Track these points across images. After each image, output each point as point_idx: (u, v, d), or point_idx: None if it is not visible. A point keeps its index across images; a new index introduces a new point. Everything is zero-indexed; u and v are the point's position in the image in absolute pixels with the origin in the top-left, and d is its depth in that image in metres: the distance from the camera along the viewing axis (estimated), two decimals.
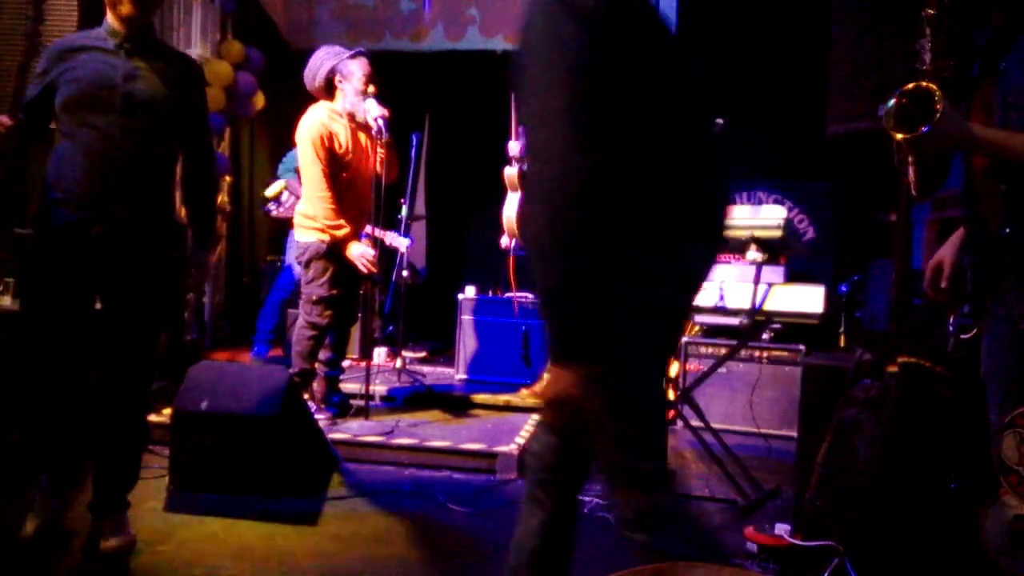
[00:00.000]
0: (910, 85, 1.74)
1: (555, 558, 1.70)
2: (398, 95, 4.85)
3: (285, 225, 4.95)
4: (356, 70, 3.81)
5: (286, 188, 4.80)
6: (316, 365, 4.00)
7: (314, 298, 3.84)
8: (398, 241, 4.31)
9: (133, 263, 2.51)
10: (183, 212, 2.80)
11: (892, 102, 1.74)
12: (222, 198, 5.87)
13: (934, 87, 1.71)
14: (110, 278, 2.52)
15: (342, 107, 3.85)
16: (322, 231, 3.81)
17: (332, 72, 3.83)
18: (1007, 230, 1.81)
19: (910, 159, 1.91)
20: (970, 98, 1.93)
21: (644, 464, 1.49)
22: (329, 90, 3.87)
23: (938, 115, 1.67)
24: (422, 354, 5.88)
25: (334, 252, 3.82)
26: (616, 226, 1.37)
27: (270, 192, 5.17)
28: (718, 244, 1.61)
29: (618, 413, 1.46)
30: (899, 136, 1.73)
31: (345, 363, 4.43)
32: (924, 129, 1.68)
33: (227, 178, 5.91)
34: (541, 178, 1.35)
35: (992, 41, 1.86)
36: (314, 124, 3.79)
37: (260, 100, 5.82)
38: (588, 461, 1.64)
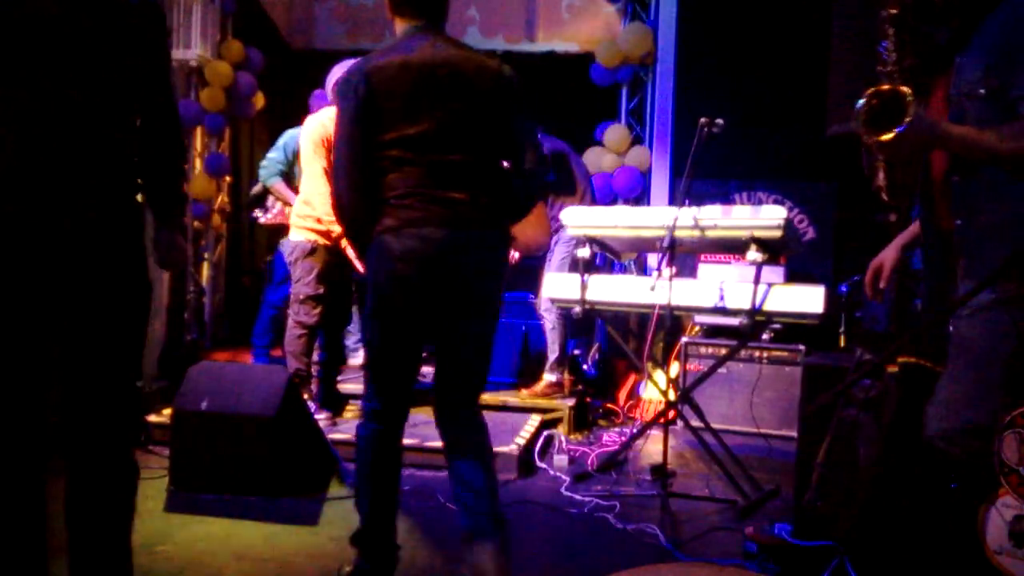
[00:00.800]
0: (882, 87, 1.74)
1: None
2: None
3: (280, 230, 4.90)
4: None
5: (271, 193, 4.76)
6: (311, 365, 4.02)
7: (301, 297, 3.89)
8: None
9: (94, 270, 1.87)
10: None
11: (862, 104, 1.74)
12: (222, 198, 5.87)
13: (906, 89, 1.72)
14: (65, 297, 1.85)
15: None
16: (314, 231, 3.87)
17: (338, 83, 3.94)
18: (959, 221, 1.84)
19: (880, 162, 1.93)
20: (929, 91, 1.95)
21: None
22: None
23: (910, 116, 1.67)
24: (423, 354, 5.86)
25: (320, 251, 3.87)
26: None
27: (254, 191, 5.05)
28: None
29: None
30: (872, 138, 1.73)
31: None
32: (899, 130, 1.68)
33: (227, 178, 5.91)
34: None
35: (951, 39, 1.91)
36: (315, 127, 3.89)
37: (260, 100, 5.82)
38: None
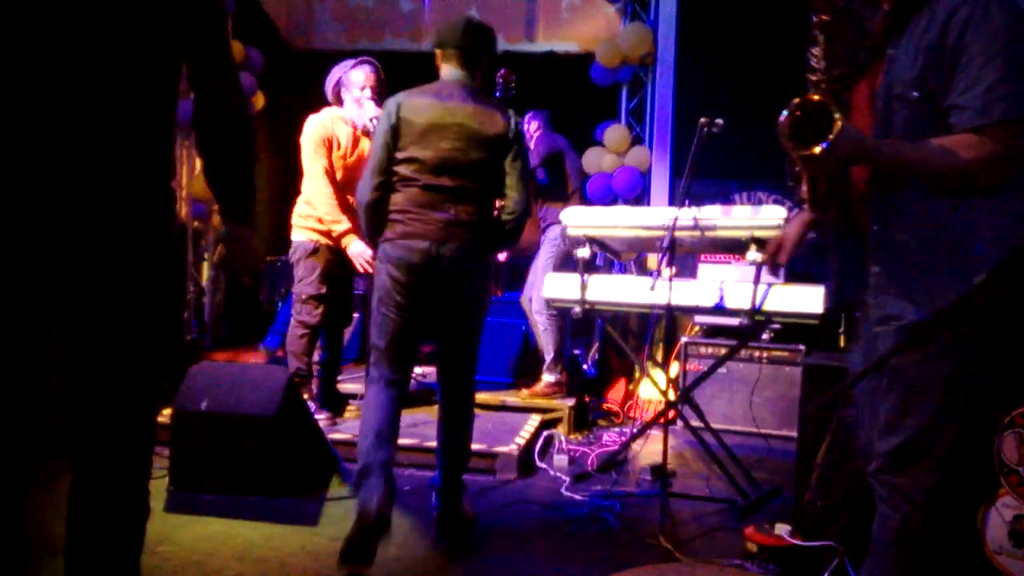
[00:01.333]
0: (809, 97, 1.62)
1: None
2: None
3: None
4: (355, 80, 3.90)
5: None
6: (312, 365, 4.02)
7: (304, 297, 3.89)
8: None
9: (106, 277, 1.56)
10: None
11: (785, 116, 1.61)
12: None
13: (830, 101, 1.60)
14: (68, 308, 1.57)
15: (348, 115, 3.93)
16: (316, 230, 3.88)
17: (339, 83, 3.93)
18: (875, 227, 1.77)
19: (804, 173, 1.82)
20: (855, 82, 1.84)
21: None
22: (340, 100, 3.97)
23: (836, 131, 1.55)
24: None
25: (323, 251, 3.88)
26: None
27: None
28: None
29: None
30: (796, 153, 1.61)
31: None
32: (823, 146, 1.57)
33: None
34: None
35: (883, 26, 1.75)
36: (316, 127, 3.89)
37: (260, 100, 5.83)
38: None
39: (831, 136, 1.55)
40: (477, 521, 2.96)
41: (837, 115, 1.56)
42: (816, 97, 1.61)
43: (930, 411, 1.68)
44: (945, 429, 1.69)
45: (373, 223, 2.71)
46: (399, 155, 2.64)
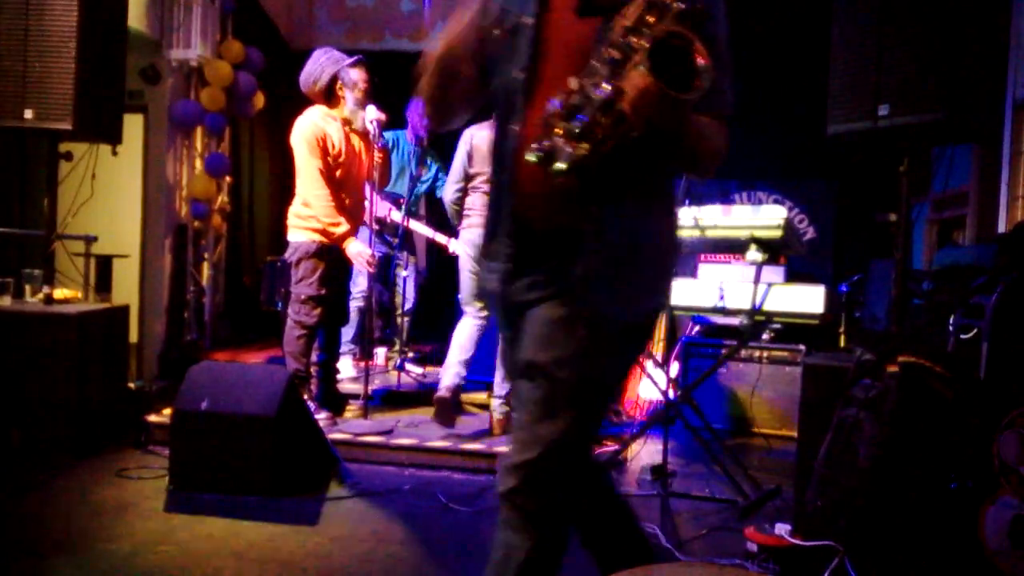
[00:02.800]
0: (688, 33, 1.30)
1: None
2: (398, 95, 4.86)
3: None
4: (357, 79, 3.88)
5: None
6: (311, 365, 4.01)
7: (303, 297, 3.87)
8: (396, 215, 4.81)
9: None
10: None
11: (656, 38, 1.30)
12: (222, 198, 5.87)
13: (700, 48, 1.29)
14: None
15: (340, 112, 3.91)
16: (316, 231, 3.85)
17: (334, 79, 3.88)
18: (593, 222, 1.47)
19: (617, 130, 1.36)
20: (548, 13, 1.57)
21: None
22: (328, 95, 3.91)
23: (701, 82, 1.28)
24: (417, 354, 5.85)
25: (324, 251, 3.87)
26: None
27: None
28: None
29: None
30: (655, 84, 1.26)
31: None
32: (692, 94, 1.28)
33: (227, 178, 5.92)
34: None
35: None
36: (308, 126, 3.85)
37: (260, 100, 5.82)
38: None
39: (698, 87, 1.28)
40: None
41: (703, 65, 1.29)
42: (694, 40, 1.30)
43: (574, 420, 1.46)
44: (585, 441, 1.53)
45: (456, 216, 3.94)
46: (471, 171, 3.81)
